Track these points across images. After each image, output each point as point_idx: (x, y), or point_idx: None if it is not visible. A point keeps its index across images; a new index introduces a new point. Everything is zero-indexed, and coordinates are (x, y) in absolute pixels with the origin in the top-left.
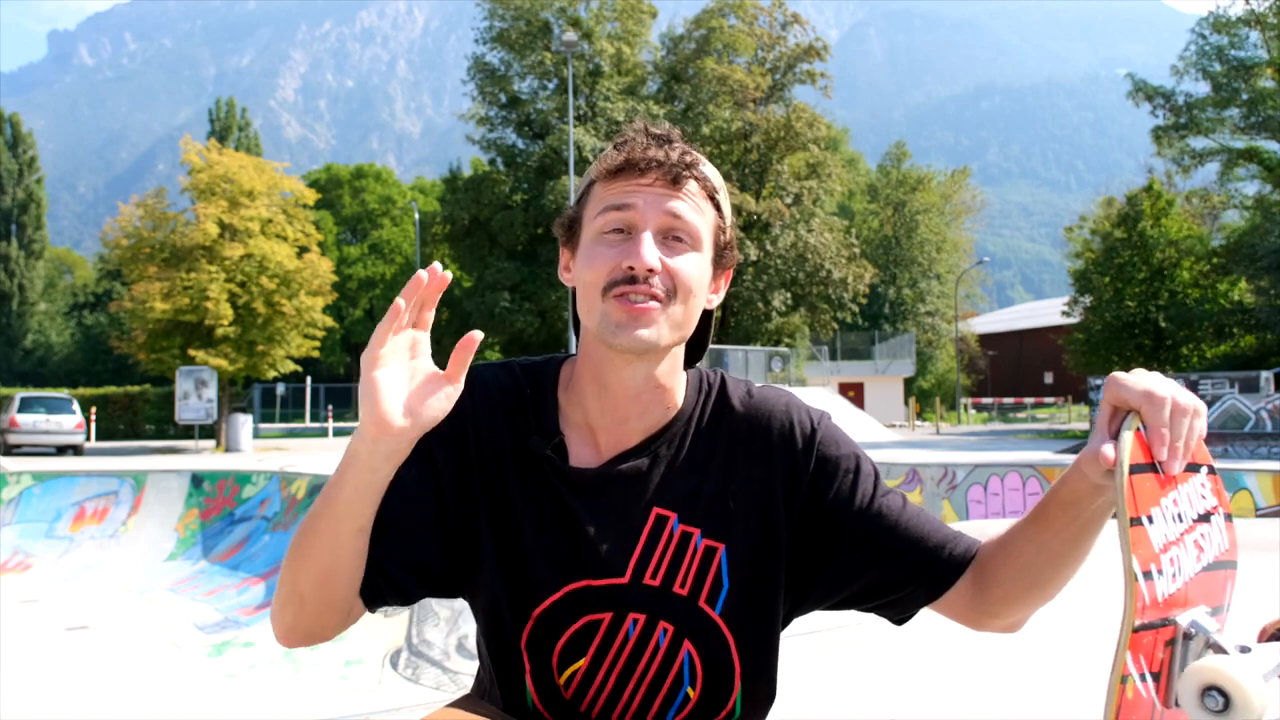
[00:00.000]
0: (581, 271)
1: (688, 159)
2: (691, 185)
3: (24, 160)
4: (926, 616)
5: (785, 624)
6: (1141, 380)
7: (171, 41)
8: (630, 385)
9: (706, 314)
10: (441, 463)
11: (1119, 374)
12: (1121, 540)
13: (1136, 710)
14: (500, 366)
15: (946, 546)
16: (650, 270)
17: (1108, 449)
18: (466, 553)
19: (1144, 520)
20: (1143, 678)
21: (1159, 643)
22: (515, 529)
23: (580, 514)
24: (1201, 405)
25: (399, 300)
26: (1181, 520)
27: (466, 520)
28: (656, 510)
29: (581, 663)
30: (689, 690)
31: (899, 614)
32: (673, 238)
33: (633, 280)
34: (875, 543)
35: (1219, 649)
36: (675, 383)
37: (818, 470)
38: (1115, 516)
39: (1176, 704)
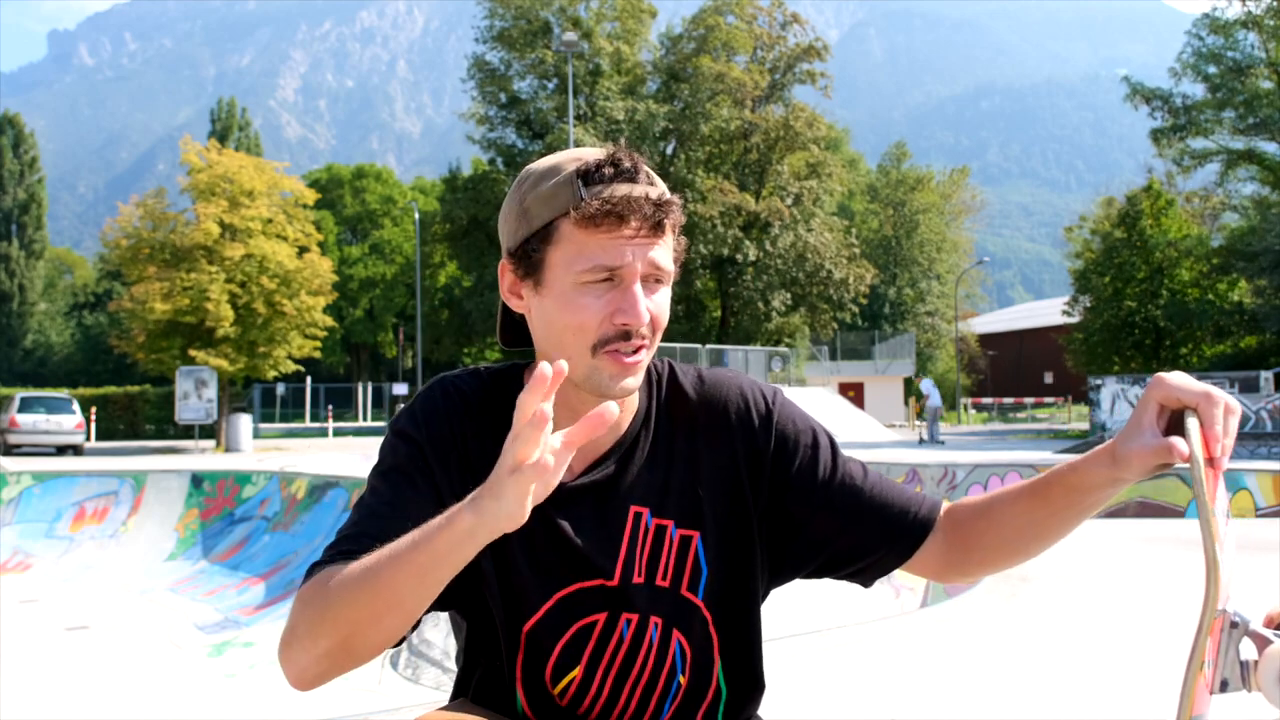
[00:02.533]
0: (559, 315)
1: (664, 198)
2: (666, 224)
3: (25, 161)
4: (924, 617)
5: (763, 598)
6: (1193, 381)
7: (171, 41)
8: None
9: None
10: (439, 476)
11: (1165, 375)
12: (1204, 528)
13: (1202, 695)
14: (470, 374)
15: (911, 510)
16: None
17: (1180, 443)
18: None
19: (1215, 511)
20: (1210, 664)
21: (1217, 630)
22: (503, 537)
23: (560, 523)
24: (1239, 406)
25: (542, 407)
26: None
27: None
28: (633, 509)
29: (576, 672)
30: (681, 678)
31: (869, 578)
32: (653, 280)
33: (627, 336)
34: (843, 512)
35: (1261, 638)
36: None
37: (779, 447)
38: (1196, 506)
39: (1223, 689)
